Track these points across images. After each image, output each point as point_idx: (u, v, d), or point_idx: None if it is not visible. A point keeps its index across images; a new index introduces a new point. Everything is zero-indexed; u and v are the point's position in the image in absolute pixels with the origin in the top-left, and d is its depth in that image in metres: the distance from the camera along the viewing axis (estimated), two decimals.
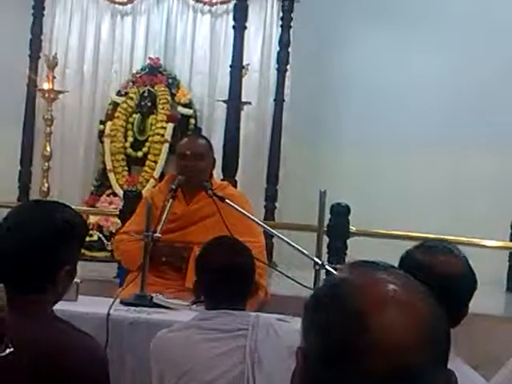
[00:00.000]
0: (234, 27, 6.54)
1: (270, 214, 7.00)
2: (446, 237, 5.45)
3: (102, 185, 7.34)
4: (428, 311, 1.08)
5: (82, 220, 2.19)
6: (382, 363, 1.02)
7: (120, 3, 7.57)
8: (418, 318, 1.06)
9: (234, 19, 6.52)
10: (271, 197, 7.08)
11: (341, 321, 1.05)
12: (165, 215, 4.01)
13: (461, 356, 2.06)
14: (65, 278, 2.05)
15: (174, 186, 4.19)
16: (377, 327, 1.03)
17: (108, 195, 7.23)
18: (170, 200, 4.13)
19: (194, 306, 3.65)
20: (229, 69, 6.61)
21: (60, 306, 2.14)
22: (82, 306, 3.60)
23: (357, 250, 5.49)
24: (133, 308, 3.68)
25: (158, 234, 3.92)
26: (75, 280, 3.66)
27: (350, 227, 5.66)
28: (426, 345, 1.05)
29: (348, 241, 5.71)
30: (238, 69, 6.45)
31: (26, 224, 2.04)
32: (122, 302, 3.74)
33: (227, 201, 4.04)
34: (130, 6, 7.59)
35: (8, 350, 1.25)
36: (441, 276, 2.10)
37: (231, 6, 6.94)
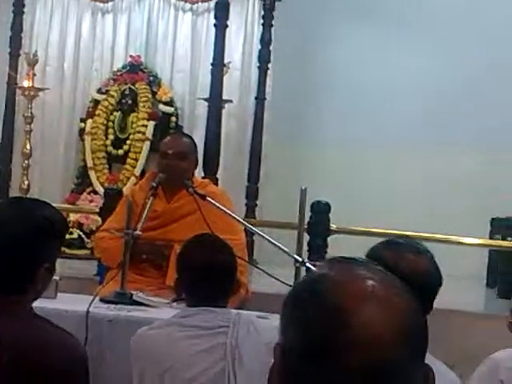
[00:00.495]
0: (215, 25, 6.54)
1: (251, 211, 7.00)
2: (426, 234, 5.51)
3: (83, 182, 7.32)
4: (406, 306, 1.08)
5: (62, 217, 2.19)
6: (361, 359, 1.02)
7: (101, 1, 7.54)
8: (397, 313, 1.06)
9: (215, 17, 6.52)
10: (252, 195, 7.09)
11: (320, 317, 1.06)
12: (145, 213, 4.00)
13: (437, 353, 2.07)
14: (44, 276, 2.04)
15: (154, 184, 4.18)
16: (356, 323, 1.04)
17: (89, 193, 7.21)
18: (151, 198, 4.12)
19: (175, 303, 3.65)
20: (210, 67, 6.61)
21: (39, 304, 2.14)
22: (62, 304, 3.58)
23: (337, 247, 5.50)
24: (112, 305, 3.67)
25: (138, 232, 3.91)
26: (54, 277, 3.67)
27: (331, 225, 5.67)
28: (404, 340, 1.05)
29: (328, 238, 5.72)
30: (219, 67, 6.44)
31: (4, 222, 2.04)
32: (101, 300, 3.74)
33: (208, 198, 4.04)
34: (110, 3, 7.57)
35: None
36: (405, 273, 2.12)
37: (212, 4, 6.94)
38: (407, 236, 3.49)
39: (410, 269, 2.13)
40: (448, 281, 2.35)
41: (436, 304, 2.26)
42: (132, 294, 3.84)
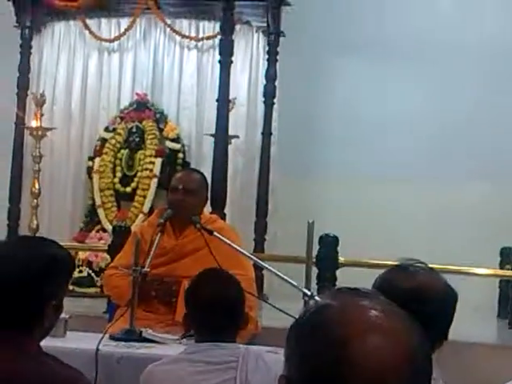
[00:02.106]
0: (219, 62, 6.59)
1: (259, 246, 7.00)
2: (435, 265, 5.49)
3: (92, 221, 7.34)
4: (410, 338, 1.08)
5: (68, 255, 2.19)
6: None
7: (107, 40, 7.62)
8: (400, 345, 1.06)
9: (220, 54, 6.57)
10: (260, 229, 7.09)
11: (322, 348, 1.05)
12: (153, 249, 4.01)
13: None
14: (51, 314, 2.05)
15: (162, 220, 4.20)
16: (359, 355, 1.03)
17: (97, 231, 7.22)
18: (159, 234, 4.13)
19: (184, 339, 3.64)
20: (216, 103, 6.65)
21: (48, 343, 2.14)
22: (71, 342, 3.58)
23: (346, 280, 5.49)
24: (122, 343, 3.67)
25: (146, 269, 3.92)
26: (63, 316, 3.68)
27: (339, 258, 5.67)
28: (408, 373, 1.05)
29: (337, 271, 5.72)
30: (224, 103, 6.48)
31: (11, 260, 2.05)
32: (111, 337, 3.73)
33: (215, 234, 4.04)
34: (117, 42, 7.64)
35: None
36: (418, 292, 2.07)
37: (217, 41, 7.00)
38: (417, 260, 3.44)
39: (423, 287, 2.10)
40: (459, 312, 2.29)
41: (449, 336, 2.22)
42: (141, 331, 3.84)
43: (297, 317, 1.10)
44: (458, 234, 7.13)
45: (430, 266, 5.03)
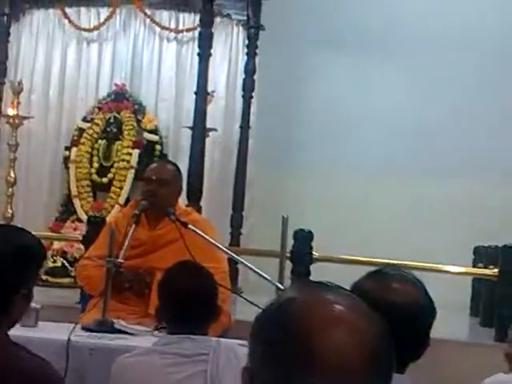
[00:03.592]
0: (198, 54, 6.58)
1: (235, 240, 7.00)
2: (409, 262, 5.51)
3: (67, 210, 7.31)
4: (373, 333, 1.08)
5: (39, 243, 2.18)
6: None
7: (86, 30, 7.58)
8: (363, 339, 1.06)
9: (199, 47, 6.56)
10: (237, 223, 7.09)
11: (285, 341, 1.06)
12: (127, 241, 4.00)
13: (422, 382, 2.01)
14: (20, 303, 2.04)
15: (137, 212, 4.18)
16: (321, 349, 1.04)
17: (73, 221, 7.20)
18: (133, 225, 4.12)
19: (157, 331, 3.64)
20: (194, 96, 6.64)
21: (19, 332, 2.13)
22: (42, 332, 3.57)
23: (320, 275, 5.50)
24: (94, 334, 3.66)
25: (120, 260, 3.91)
26: (35, 306, 3.67)
27: (313, 253, 5.68)
28: (370, 367, 1.05)
29: (311, 266, 5.73)
30: (202, 96, 6.47)
31: None
32: (83, 328, 3.72)
33: (190, 226, 4.04)
34: (96, 32, 7.61)
35: None
36: (394, 305, 1.94)
37: (197, 33, 6.97)
38: (393, 265, 3.39)
39: (398, 300, 1.98)
40: None
41: None
42: (114, 322, 3.83)
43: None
44: (434, 231, 7.17)
45: (403, 262, 5.04)
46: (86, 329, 3.73)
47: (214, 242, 4.05)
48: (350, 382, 1.02)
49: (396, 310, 1.89)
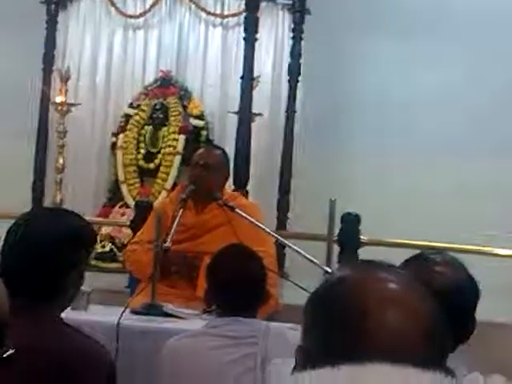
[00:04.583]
0: (244, 39, 6.57)
1: (282, 224, 7.00)
2: (457, 245, 5.47)
3: (115, 196, 7.36)
4: (427, 309, 1.08)
5: (90, 227, 2.21)
6: (382, 363, 1.02)
7: (132, 16, 7.62)
8: (418, 316, 1.06)
9: (245, 31, 6.55)
10: (283, 207, 7.08)
11: (340, 320, 1.06)
12: (175, 225, 4.02)
13: (474, 366, 1.99)
14: (72, 284, 2.07)
15: (184, 196, 4.21)
16: (376, 327, 1.04)
17: (120, 207, 7.25)
18: (180, 210, 4.14)
19: (205, 314, 3.66)
20: (240, 81, 6.64)
21: (70, 315, 2.16)
22: (93, 315, 3.62)
23: (368, 259, 5.47)
24: (143, 317, 3.70)
25: (168, 244, 3.94)
26: (86, 289, 3.71)
27: (361, 236, 5.65)
28: (424, 344, 1.05)
29: (359, 250, 5.70)
30: (248, 80, 6.46)
31: (33, 231, 2.06)
32: (132, 312, 3.76)
33: (237, 210, 4.05)
34: (142, 19, 7.64)
35: (9, 352, 1.27)
36: (437, 289, 1.97)
37: (242, 18, 6.97)
38: (437, 248, 3.38)
39: (441, 284, 1.99)
40: (482, 293, 2.23)
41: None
42: (162, 306, 3.86)
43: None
44: (484, 213, 7.07)
45: (452, 245, 4.98)
46: (135, 312, 3.77)
47: (261, 225, 4.06)
48: (404, 360, 1.02)
49: (438, 293, 1.88)
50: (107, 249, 6.94)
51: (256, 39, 6.59)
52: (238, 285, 2.99)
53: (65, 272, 2.03)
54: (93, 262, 6.86)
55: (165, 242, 3.95)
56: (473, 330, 2.09)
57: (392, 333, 1.03)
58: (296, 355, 1.12)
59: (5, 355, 1.26)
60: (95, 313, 3.71)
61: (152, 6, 7.51)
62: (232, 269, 3.02)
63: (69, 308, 3.28)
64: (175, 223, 4.06)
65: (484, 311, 2.24)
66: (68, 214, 2.16)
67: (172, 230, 4.01)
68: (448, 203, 7.20)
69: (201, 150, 4.59)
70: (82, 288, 3.61)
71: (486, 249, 5.87)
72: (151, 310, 3.80)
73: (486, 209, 7.08)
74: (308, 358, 1.09)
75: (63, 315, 2.11)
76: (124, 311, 3.57)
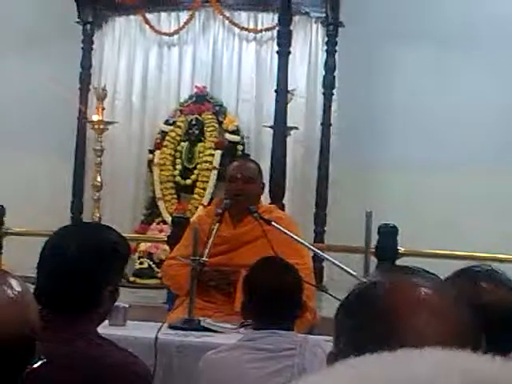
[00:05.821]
0: (277, 53, 6.58)
1: (319, 237, 6.97)
2: (497, 255, 5.40)
3: (152, 213, 7.40)
4: (458, 315, 1.07)
5: (125, 241, 2.21)
6: None
7: (167, 34, 7.68)
8: (449, 321, 1.05)
9: (278, 45, 6.56)
10: (320, 221, 7.06)
11: (371, 323, 1.05)
12: (211, 239, 4.03)
13: None
14: (108, 299, 2.07)
15: (220, 210, 4.21)
16: (407, 330, 1.03)
17: (158, 223, 7.29)
18: (217, 224, 4.15)
19: (243, 328, 3.65)
20: (274, 94, 6.65)
21: (108, 331, 2.17)
22: (130, 331, 3.63)
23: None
24: (181, 332, 3.70)
25: (204, 258, 3.94)
26: (124, 305, 3.73)
27: (399, 248, 5.61)
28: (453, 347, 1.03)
29: (397, 262, 5.65)
30: (282, 94, 6.47)
31: (70, 245, 2.08)
32: (170, 327, 3.76)
33: (273, 223, 4.04)
34: (176, 36, 7.69)
35: (40, 362, 1.27)
36: (484, 305, 1.84)
37: (276, 32, 6.99)
38: (476, 259, 3.31)
39: (487, 300, 1.91)
40: None
41: None
42: (200, 320, 3.86)
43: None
44: None
45: (492, 255, 4.91)
46: (172, 327, 3.77)
47: (297, 238, 4.04)
48: None
49: (486, 311, 1.82)
50: (145, 265, 6.98)
51: (289, 52, 6.60)
52: (274, 297, 2.98)
53: (99, 286, 2.04)
54: (131, 279, 6.90)
55: (202, 256, 3.95)
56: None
57: (421, 335, 1.02)
58: (327, 362, 1.11)
59: (35, 365, 1.26)
60: (133, 328, 3.72)
61: (186, 22, 7.56)
62: (268, 281, 3.01)
63: (107, 323, 3.31)
64: (212, 237, 4.06)
65: None
66: (102, 228, 2.18)
67: (209, 245, 4.02)
68: (487, 214, 7.13)
69: (235, 164, 4.59)
70: (120, 304, 3.64)
71: None
72: (189, 324, 3.80)
73: None
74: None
75: (101, 331, 2.12)
76: (162, 326, 3.58)
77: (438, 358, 0.73)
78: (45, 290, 1.99)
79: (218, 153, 7.28)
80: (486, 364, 0.68)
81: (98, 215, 7.04)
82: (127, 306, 3.77)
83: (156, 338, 3.48)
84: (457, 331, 1.05)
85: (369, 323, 1.05)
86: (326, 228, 7.07)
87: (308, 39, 7.42)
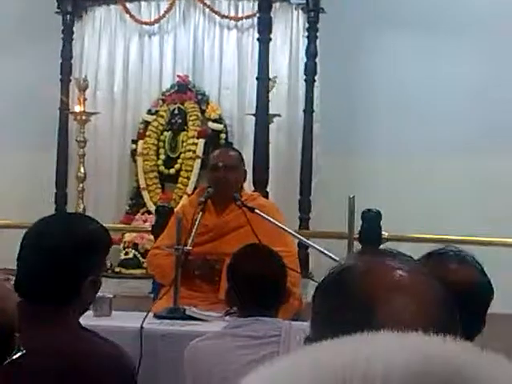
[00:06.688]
0: (258, 40, 6.56)
1: (304, 224, 6.98)
2: (478, 238, 5.43)
3: (137, 203, 7.39)
4: (434, 296, 1.07)
5: (106, 231, 2.21)
6: None
7: (147, 23, 7.64)
8: (424, 303, 1.05)
9: (259, 32, 6.55)
10: (305, 207, 7.07)
11: (346, 306, 1.05)
12: (195, 228, 4.03)
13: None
14: (89, 289, 2.07)
15: (202, 199, 4.22)
16: (383, 313, 1.03)
17: (142, 213, 7.28)
18: (200, 212, 4.15)
19: (228, 317, 3.66)
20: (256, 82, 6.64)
21: (93, 321, 2.16)
22: (116, 321, 3.63)
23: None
24: (166, 321, 3.70)
25: (188, 247, 3.94)
26: (108, 295, 3.73)
27: (383, 233, 5.62)
28: (430, 330, 1.04)
29: (380, 247, 5.67)
30: (264, 81, 6.46)
31: (50, 235, 2.07)
32: (155, 316, 3.77)
33: (257, 211, 4.05)
34: (156, 25, 7.66)
35: (19, 354, 1.27)
36: (450, 285, 1.95)
37: (256, 19, 6.97)
38: (458, 242, 3.34)
39: (455, 280, 1.95)
40: (506, 285, 2.20)
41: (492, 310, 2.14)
42: (185, 309, 3.86)
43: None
44: (505, 207, 7.02)
45: (475, 238, 4.94)
46: (158, 316, 3.78)
47: (281, 225, 4.05)
48: None
49: (452, 290, 1.86)
50: (130, 255, 6.97)
51: (270, 39, 6.58)
52: (258, 284, 2.99)
53: (80, 276, 2.04)
54: (117, 269, 6.89)
55: (186, 246, 3.95)
56: (480, 331, 2.07)
57: (398, 318, 1.02)
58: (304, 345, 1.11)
59: (14, 357, 1.26)
60: (118, 318, 3.72)
61: (166, 11, 7.53)
62: (251, 268, 3.02)
63: (92, 314, 3.31)
64: (195, 226, 4.07)
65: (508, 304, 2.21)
66: (82, 219, 2.17)
67: (192, 233, 4.02)
68: (469, 198, 7.16)
69: (217, 152, 4.60)
70: (105, 294, 3.64)
71: (509, 240, 5.81)
72: (174, 313, 3.81)
73: (507, 202, 7.02)
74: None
75: (86, 322, 2.12)
76: (147, 316, 3.58)
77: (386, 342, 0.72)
78: (24, 280, 1.99)
79: (201, 141, 7.26)
80: (433, 346, 0.68)
81: (82, 206, 7.01)
82: (112, 296, 3.77)
83: (141, 327, 3.48)
84: (432, 312, 1.05)
85: (344, 306, 1.05)
86: (310, 214, 7.08)
87: (289, 26, 7.40)
